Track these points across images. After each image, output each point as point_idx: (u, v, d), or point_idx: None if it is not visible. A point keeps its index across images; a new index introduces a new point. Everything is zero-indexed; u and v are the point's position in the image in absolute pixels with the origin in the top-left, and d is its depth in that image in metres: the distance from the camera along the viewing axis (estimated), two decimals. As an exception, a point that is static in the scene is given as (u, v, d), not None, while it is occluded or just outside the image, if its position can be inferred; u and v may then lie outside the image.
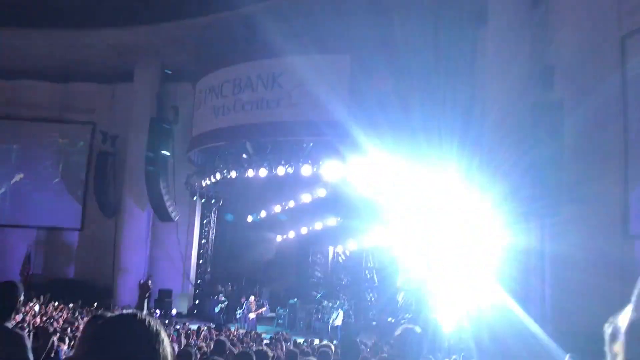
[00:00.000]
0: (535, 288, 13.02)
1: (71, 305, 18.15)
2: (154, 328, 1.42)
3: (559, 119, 11.95)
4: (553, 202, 11.96)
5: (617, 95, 11.78)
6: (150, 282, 21.17)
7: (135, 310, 1.51)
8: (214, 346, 7.61)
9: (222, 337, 9.74)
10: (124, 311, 1.59)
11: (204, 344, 10.46)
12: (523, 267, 12.90)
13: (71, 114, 24.72)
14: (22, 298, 3.94)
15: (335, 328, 18.36)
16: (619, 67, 11.80)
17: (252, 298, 20.33)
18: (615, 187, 11.63)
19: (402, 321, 19.09)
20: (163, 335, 1.43)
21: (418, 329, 3.72)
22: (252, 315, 19.56)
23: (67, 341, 8.11)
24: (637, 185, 11.23)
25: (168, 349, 1.42)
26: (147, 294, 20.87)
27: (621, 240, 11.51)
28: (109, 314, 1.50)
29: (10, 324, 3.72)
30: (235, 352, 7.87)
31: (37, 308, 16.06)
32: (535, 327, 11.47)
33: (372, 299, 24.06)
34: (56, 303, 18.06)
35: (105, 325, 1.44)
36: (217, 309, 20.61)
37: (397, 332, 3.72)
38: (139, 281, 21.14)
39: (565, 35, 13.33)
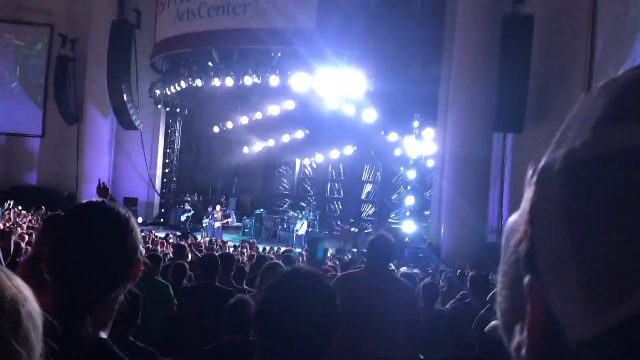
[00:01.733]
0: (494, 199, 13.47)
1: (34, 211, 18.06)
2: (124, 216, 1.34)
3: (528, 33, 11.92)
4: (517, 117, 12.16)
5: (587, 14, 11.73)
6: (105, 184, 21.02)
7: (102, 199, 1.43)
8: (174, 251, 7.71)
9: (183, 243, 9.92)
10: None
11: (170, 251, 10.62)
12: (484, 177, 13.27)
13: (27, 14, 23.42)
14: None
15: (300, 237, 18.82)
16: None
17: (218, 207, 20.52)
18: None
19: (365, 231, 19.68)
20: (133, 223, 1.36)
21: (391, 237, 3.83)
22: (217, 224, 19.83)
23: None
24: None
25: (138, 237, 1.36)
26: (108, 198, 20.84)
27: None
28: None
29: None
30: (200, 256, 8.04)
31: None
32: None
33: (337, 210, 24.63)
34: (20, 208, 17.92)
35: (71, 212, 1.36)
36: (183, 218, 20.80)
37: (372, 237, 3.82)
38: (97, 186, 20.97)
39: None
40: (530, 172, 0.46)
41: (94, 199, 1.52)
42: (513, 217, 0.50)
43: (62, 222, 1.37)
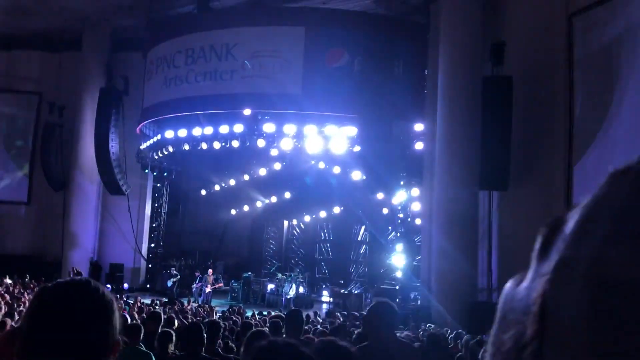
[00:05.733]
0: (483, 257, 13.43)
1: (14, 280, 17.68)
2: (108, 296, 1.37)
3: (508, 93, 12.22)
4: (502, 175, 12.29)
5: (564, 72, 12.10)
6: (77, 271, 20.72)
7: (87, 277, 1.45)
8: (147, 317, 7.41)
9: (158, 309, 9.70)
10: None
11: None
12: (472, 235, 13.28)
13: (16, 83, 23.75)
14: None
15: (289, 300, 18.52)
16: (566, 44, 12.09)
17: (210, 272, 20.24)
18: (559, 162, 12.02)
19: (355, 292, 19.45)
20: (115, 305, 1.38)
21: (392, 304, 3.75)
22: (208, 289, 19.49)
23: (15, 317, 7.91)
24: (578, 161, 11.62)
25: (119, 320, 1.37)
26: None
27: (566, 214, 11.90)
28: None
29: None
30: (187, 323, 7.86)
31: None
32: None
33: (326, 271, 24.38)
34: (7, 279, 17.52)
35: (57, 289, 1.36)
36: (169, 283, 20.46)
37: (372, 305, 3.73)
38: (71, 268, 20.69)
39: (515, 12, 13.58)
40: (537, 253, 0.45)
41: (78, 278, 1.51)
42: (511, 286, 0.48)
43: (45, 299, 1.35)
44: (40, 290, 1.41)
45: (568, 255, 0.42)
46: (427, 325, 11.94)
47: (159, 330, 5.98)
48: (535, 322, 0.42)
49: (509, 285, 0.48)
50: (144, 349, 5.25)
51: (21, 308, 9.48)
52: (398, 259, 16.66)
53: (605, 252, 0.39)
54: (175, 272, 20.90)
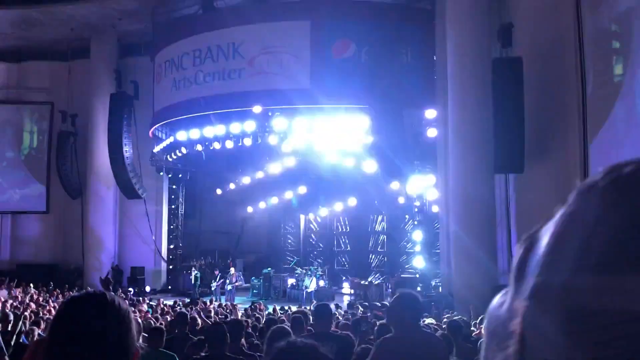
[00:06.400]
0: (502, 240, 13.36)
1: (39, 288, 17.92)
2: (123, 307, 1.39)
3: (519, 75, 12.10)
4: (517, 157, 12.19)
5: (574, 51, 11.94)
6: (109, 275, 20.93)
7: (103, 290, 1.49)
8: (175, 318, 7.52)
9: (183, 310, 9.79)
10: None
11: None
12: (490, 219, 13.20)
13: (28, 94, 24.01)
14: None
15: (309, 294, 18.58)
16: (575, 21, 11.93)
17: (232, 270, 20.35)
18: (575, 141, 11.89)
19: (375, 282, 19.45)
20: (131, 314, 1.41)
21: (414, 293, 3.75)
22: (230, 287, 19.62)
23: (42, 325, 8.03)
24: (594, 139, 11.49)
25: (136, 329, 1.40)
26: (110, 287, 20.68)
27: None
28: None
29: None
30: (210, 323, 7.93)
31: (5, 294, 15.81)
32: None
33: (346, 263, 24.42)
34: (32, 288, 17.78)
35: (73, 303, 1.40)
36: (192, 282, 20.61)
37: (396, 296, 3.74)
38: (99, 277, 20.86)
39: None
40: (515, 273, 0.47)
41: (95, 290, 1.54)
42: (495, 306, 0.50)
43: (63, 313, 1.38)
44: (61, 304, 1.44)
45: (540, 282, 0.44)
46: (450, 311, 11.92)
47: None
48: (516, 342, 0.45)
49: (493, 305, 0.52)
50: (167, 351, 5.29)
51: (47, 316, 9.62)
52: (418, 261, 16.63)
53: (574, 281, 0.42)
54: (196, 271, 21.04)
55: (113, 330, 1.32)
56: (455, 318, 8.01)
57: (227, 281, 19.66)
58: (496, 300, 0.52)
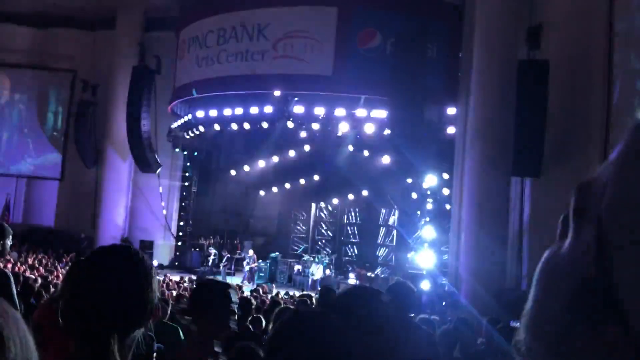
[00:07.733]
0: (513, 244, 13.26)
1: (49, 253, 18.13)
2: (148, 262, 1.40)
3: (544, 78, 11.94)
4: (535, 161, 12.07)
5: (602, 57, 11.75)
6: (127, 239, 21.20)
7: (127, 244, 1.51)
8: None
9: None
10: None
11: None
12: (503, 222, 13.11)
13: (51, 60, 24.14)
14: (8, 241, 3.92)
15: (315, 282, 18.62)
16: (606, 27, 11.73)
17: (251, 251, 20.46)
18: (595, 150, 11.73)
19: (382, 275, 19.45)
20: (155, 270, 1.42)
21: (410, 285, 3.74)
22: (247, 267, 19.80)
23: (50, 289, 8.11)
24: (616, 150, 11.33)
25: (157, 286, 1.39)
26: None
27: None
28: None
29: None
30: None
31: (15, 256, 16.01)
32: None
33: (353, 254, 24.41)
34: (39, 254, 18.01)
35: (99, 254, 1.39)
36: (210, 261, 20.78)
37: (390, 284, 3.73)
38: (121, 235, 21.11)
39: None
40: (574, 221, 0.45)
41: (119, 244, 1.54)
42: (550, 253, 0.47)
43: (89, 264, 1.39)
44: (83, 258, 1.43)
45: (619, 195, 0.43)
46: (454, 311, 11.87)
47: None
48: (594, 256, 0.43)
49: (547, 253, 0.49)
50: (171, 323, 5.32)
51: (55, 281, 9.71)
52: (424, 257, 16.42)
53: None
54: (213, 250, 21.17)
55: (137, 282, 1.32)
56: (460, 317, 7.96)
57: (246, 262, 19.86)
58: (548, 250, 0.49)
